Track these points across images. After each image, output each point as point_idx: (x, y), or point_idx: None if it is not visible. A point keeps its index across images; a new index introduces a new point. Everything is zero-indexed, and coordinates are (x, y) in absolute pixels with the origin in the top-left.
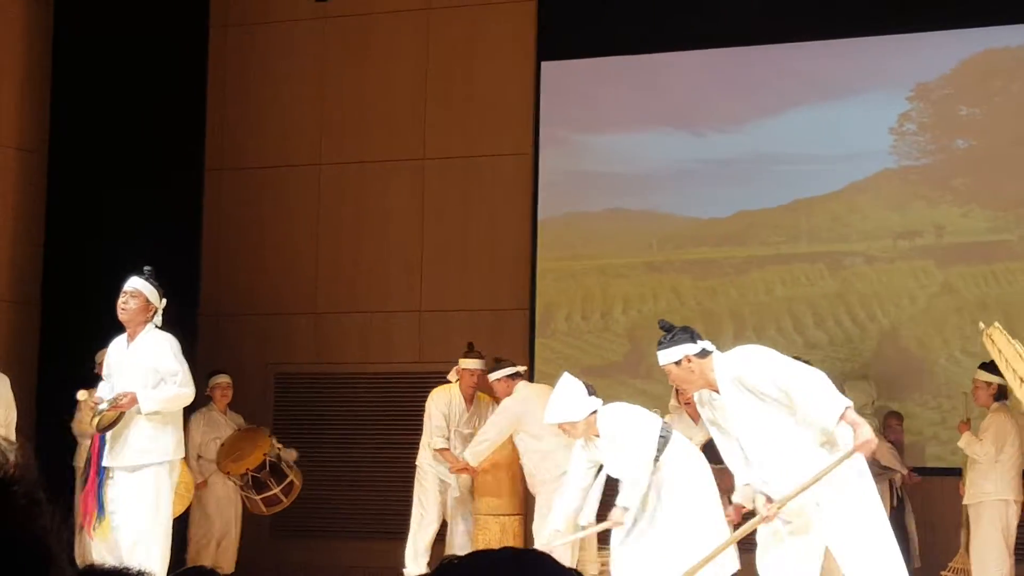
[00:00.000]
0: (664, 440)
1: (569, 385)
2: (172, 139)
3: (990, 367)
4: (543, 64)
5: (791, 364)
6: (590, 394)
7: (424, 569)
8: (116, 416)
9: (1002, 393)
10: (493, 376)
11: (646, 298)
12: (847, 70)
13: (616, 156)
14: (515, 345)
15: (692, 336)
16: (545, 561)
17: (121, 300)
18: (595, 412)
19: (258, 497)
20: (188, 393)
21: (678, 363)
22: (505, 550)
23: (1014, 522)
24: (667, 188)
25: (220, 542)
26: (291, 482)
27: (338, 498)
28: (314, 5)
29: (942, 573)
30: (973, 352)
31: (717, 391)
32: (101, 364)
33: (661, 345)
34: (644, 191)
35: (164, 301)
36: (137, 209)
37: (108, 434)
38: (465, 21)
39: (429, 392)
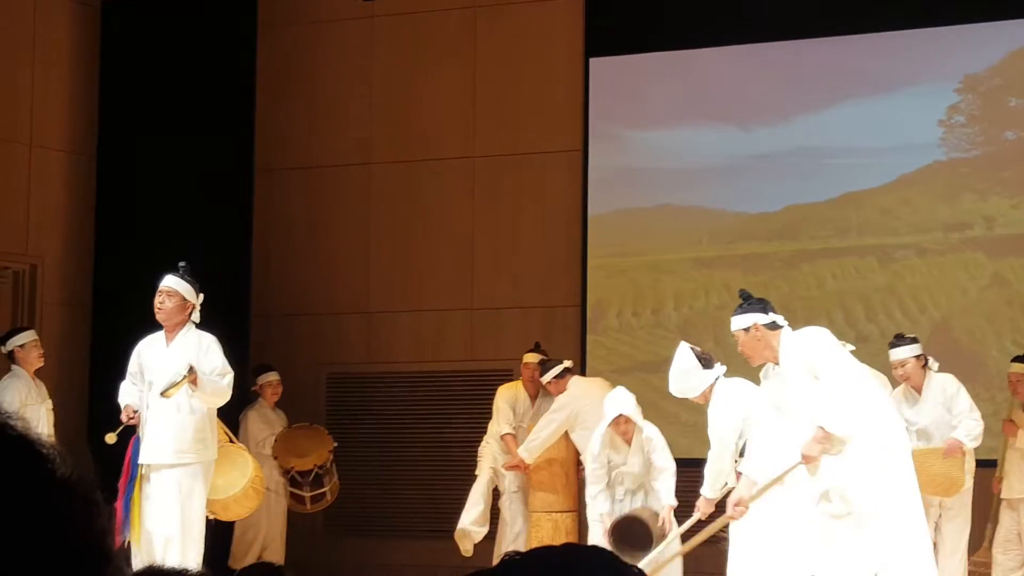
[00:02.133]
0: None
1: (683, 359)
2: (221, 140)
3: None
4: (591, 60)
5: (839, 361)
6: (707, 366)
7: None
8: (181, 385)
9: None
10: (544, 378)
11: (697, 294)
12: (894, 63)
13: (665, 152)
14: (567, 342)
15: (765, 308)
16: (605, 556)
17: (157, 300)
18: (713, 384)
19: (310, 494)
20: (229, 394)
21: (747, 330)
22: (566, 546)
23: None
24: (716, 183)
25: (267, 539)
26: (335, 481)
27: (390, 497)
28: (362, 4)
29: None
30: None
31: (776, 363)
32: None
33: (735, 312)
34: (693, 186)
35: (201, 297)
36: (187, 210)
37: (144, 433)
38: (513, 18)
39: (481, 390)
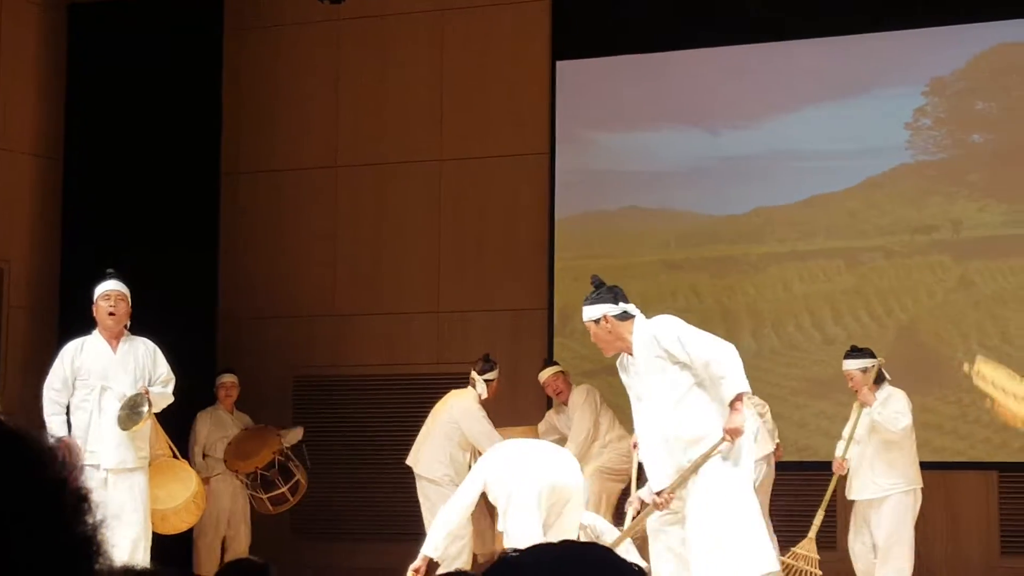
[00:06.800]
0: None
1: None
2: (188, 143)
3: (854, 352)
4: (558, 63)
5: (706, 334)
6: None
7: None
8: (147, 419)
9: (881, 375)
10: (546, 375)
11: (664, 296)
12: (861, 66)
13: (632, 154)
14: (534, 345)
15: (616, 297)
16: (603, 553)
17: (109, 304)
18: None
19: (265, 496)
20: (172, 399)
21: (597, 321)
22: (565, 543)
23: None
24: (684, 186)
25: (229, 542)
26: (298, 481)
27: (358, 500)
28: (328, 7)
29: (783, 559)
30: (991, 346)
31: (631, 354)
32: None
33: (585, 302)
34: (661, 189)
35: None
36: (154, 214)
37: (101, 438)
38: (479, 21)
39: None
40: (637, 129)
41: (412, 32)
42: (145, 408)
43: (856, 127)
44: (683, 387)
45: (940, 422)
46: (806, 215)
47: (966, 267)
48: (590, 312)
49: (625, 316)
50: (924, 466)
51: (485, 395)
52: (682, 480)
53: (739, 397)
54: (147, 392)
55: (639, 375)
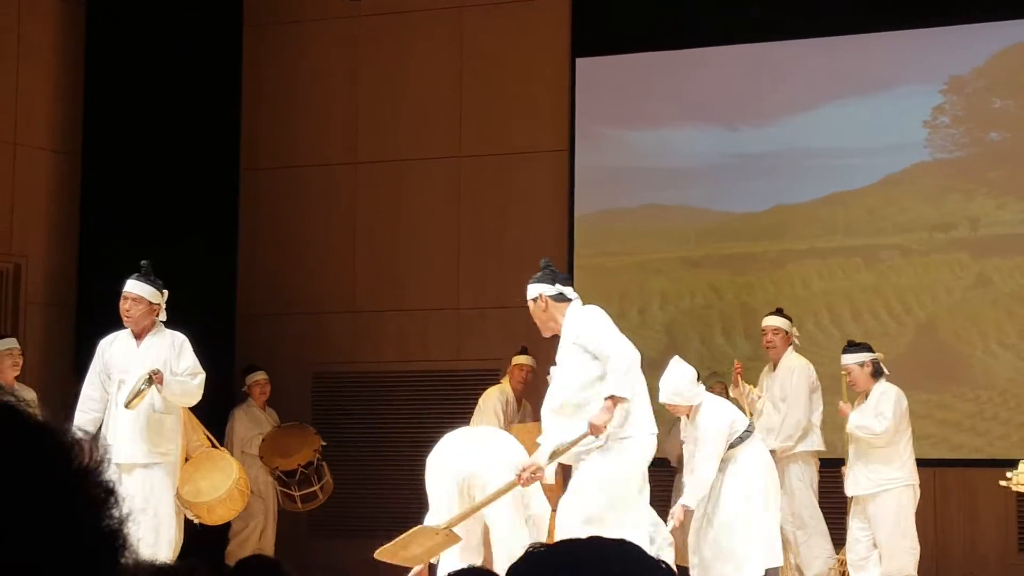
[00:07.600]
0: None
1: (684, 369)
2: (207, 139)
3: (850, 348)
4: (578, 60)
5: (615, 335)
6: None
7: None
8: (145, 395)
9: (879, 369)
10: None
11: (683, 294)
12: (880, 64)
13: (652, 151)
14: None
15: (554, 278)
16: (632, 549)
17: (124, 306)
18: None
19: (299, 493)
20: (199, 395)
21: (535, 300)
22: (593, 539)
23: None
24: (703, 183)
25: (261, 535)
26: (327, 480)
27: (375, 497)
28: (347, 4)
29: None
30: (1009, 344)
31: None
32: None
33: (530, 281)
34: (680, 186)
35: (166, 295)
36: (172, 210)
37: (114, 433)
38: (499, 18)
39: (467, 390)
40: (656, 126)
41: (431, 28)
42: (144, 386)
43: (874, 125)
44: (591, 375)
45: (958, 419)
46: (825, 212)
47: (984, 265)
48: (529, 291)
49: (561, 298)
50: (942, 463)
51: (504, 380)
52: (553, 458)
53: (612, 398)
54: (157, 373)
55: (559, 354)
